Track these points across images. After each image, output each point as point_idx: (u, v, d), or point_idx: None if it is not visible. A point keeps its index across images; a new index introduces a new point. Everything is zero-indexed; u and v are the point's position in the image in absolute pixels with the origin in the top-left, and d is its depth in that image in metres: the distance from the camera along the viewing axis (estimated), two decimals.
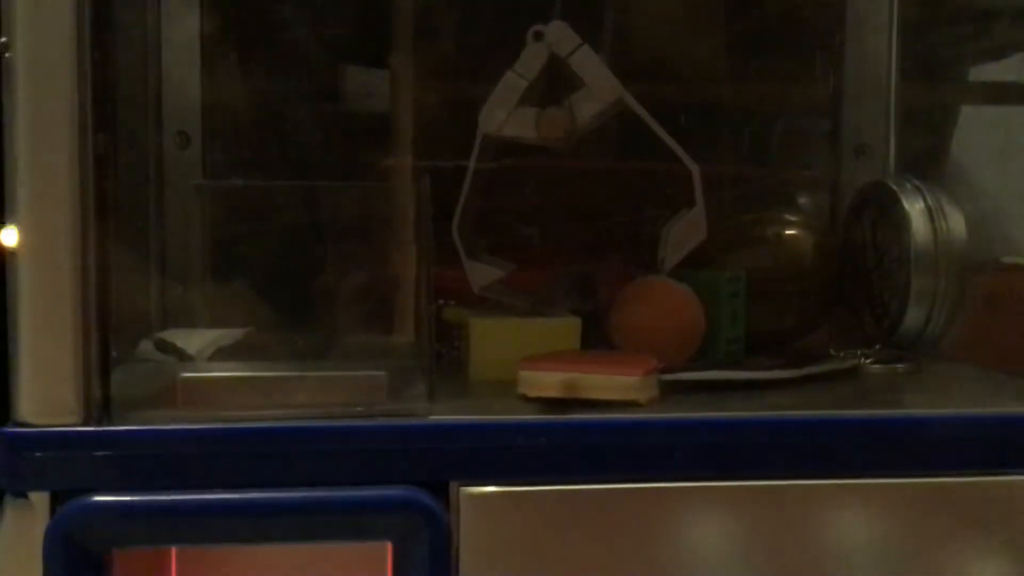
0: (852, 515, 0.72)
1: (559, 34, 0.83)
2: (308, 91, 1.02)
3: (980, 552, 0.73)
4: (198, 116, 1.01)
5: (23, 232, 0.67)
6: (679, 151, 0.85)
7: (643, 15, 1.07)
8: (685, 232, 0.86)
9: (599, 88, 0.84)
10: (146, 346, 0.84)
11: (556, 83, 0.85)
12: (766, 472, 0.72)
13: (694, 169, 0.85)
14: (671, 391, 0.78)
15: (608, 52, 1.04)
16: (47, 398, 0.68)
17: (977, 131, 1.13)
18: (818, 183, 1.12)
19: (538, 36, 0.83)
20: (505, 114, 0.84)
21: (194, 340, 0.83)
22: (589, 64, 0.84)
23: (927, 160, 1.11)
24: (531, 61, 0.84)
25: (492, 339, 0.85)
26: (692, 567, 0.71)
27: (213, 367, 0.79)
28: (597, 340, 0.88)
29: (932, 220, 0.91)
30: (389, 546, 0.69)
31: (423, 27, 1.02)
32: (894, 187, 0.94)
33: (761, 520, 0.72)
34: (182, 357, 0.81)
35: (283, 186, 0.93)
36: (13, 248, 0.67)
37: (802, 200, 1.12)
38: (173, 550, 0.76)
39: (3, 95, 0.66)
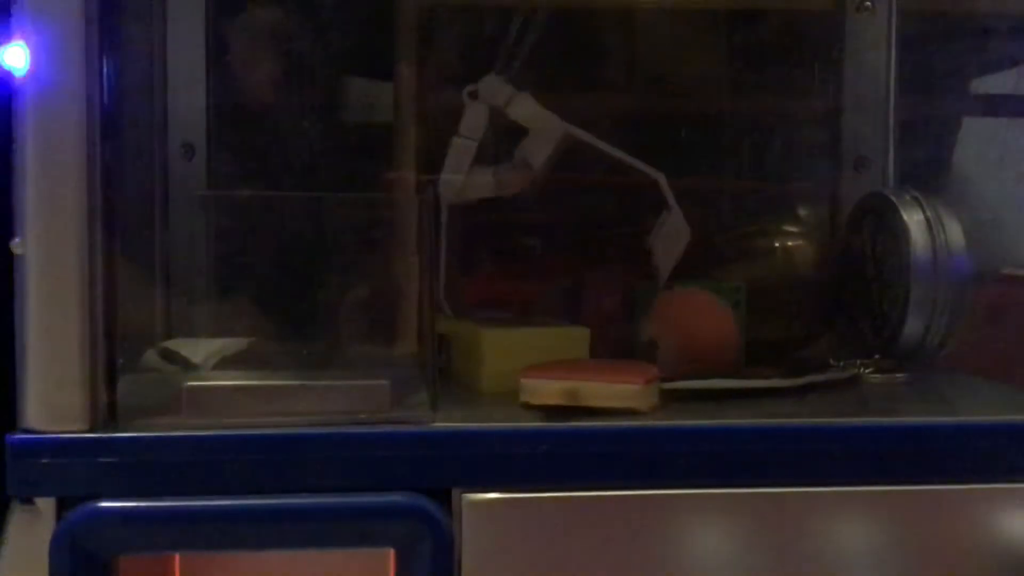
0: (851, 523, 0.73)
1: (492, 87, 0.84)
2: (312, 103, 1.03)
3: (981, 560, 0.73)
4: (203, 127, 1.02)
5: (30, 241, 0.67)
6: (640, 165, 0.86)
7: (646, 31, 1.08)
8: (670, 238, 0.87)
9: (544, 130, 0.84)
10: (151, 355, 0.85)
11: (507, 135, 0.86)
12: (766, 479, 0.72)
13: (659, 178, 0.87)
14: (671, 399, 0.79)
15: (611, 69, 1.05)
16: (54, 405, 0.68)
17: (975, 143, 1.13)
18: (818, 195, 1.12)
19: (473, 95, 0.84)
20: (462, 179, 0.85)
21: (199, 349, 0.83)
22: (528, 109, 0.83)
23: (926, 172, 1.11)
24: (473, 121, 0.84)
25: (501, 350, 0.85)
26: (692, 574, 0.72)
27: (217, 376, 0.80)
28: (598, 351, 0.88)
29: (931, 231, 0.91)
30: (392, 552, 0.69)
31: (427, 39, 1.03)
32: (893, 198, 0.94)
33: (761, 527, 0.72)
34: (187, 366, 0.82)
35: (287, 197, 0.94)
36: (21, 256, 0.68)
37: (802, 212, 1.13)
38: (176, 556, 0.77)
39: (12, 105, 0.67)
